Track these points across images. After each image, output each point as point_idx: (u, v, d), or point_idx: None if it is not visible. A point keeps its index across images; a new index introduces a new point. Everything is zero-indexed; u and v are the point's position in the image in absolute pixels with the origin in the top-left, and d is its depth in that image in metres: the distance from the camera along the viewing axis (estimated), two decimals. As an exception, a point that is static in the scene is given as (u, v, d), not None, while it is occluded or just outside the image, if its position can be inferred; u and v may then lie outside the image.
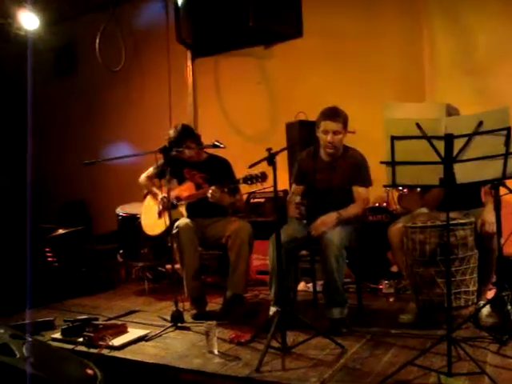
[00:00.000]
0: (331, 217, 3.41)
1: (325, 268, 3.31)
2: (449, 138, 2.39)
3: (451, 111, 3.22)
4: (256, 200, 4.91)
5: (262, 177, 3.39)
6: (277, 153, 2.99)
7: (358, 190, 3.58)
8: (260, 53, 5.56)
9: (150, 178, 4.28)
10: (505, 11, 4.44)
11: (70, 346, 3.17)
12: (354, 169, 3.58)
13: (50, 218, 6.16)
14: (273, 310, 3.43)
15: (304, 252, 3.79)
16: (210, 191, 3.75)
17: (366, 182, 3.61)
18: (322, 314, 3.41)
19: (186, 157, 4.05)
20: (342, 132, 3.52)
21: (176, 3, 5.58)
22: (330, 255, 3.24)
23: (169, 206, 3.75)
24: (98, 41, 5.66)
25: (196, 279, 3.84)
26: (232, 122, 5.72)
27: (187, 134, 4.05)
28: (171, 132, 4.05)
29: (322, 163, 3.66)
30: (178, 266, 4.05)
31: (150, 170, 4.27)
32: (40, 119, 6.56)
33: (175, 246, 3.82)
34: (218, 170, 4.09)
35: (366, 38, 5.01)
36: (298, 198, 3.55)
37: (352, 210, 3.53)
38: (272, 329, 2.87)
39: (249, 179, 3.48)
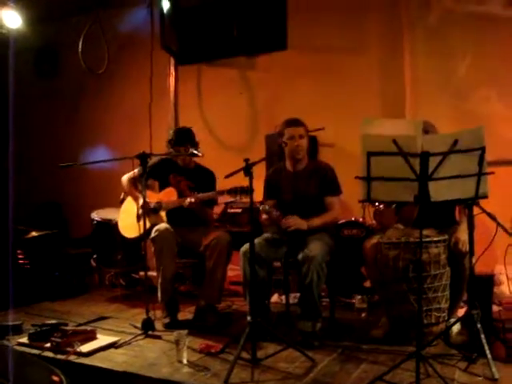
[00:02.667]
0: (303, 224, 3.50)
1: (304, 282, 3.30)
2: (425, 156, 2.41)
3: (428, 128, 3.26)
4: (233, 210, 4.90)
5: (246, 191, 3.38)
6: (254, 164, 3.00)
7: (330, 200, 3.66)
8: (243, 63, 5.57)
9: (133, 179, 4.21)
10: (483, 38, 4.54)
11: (37, 352, 3.11)
12: (323, 179, 3.66)
13: (25, 219, 6.06)
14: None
15: (278, 264, 3.77)
16: (192, 200, 3.77)
17: (337, 190, 3.69)
18: (295, 327, 3.41)
19: (181, 160, 4.08)
20: (306, 137, 3.64)
21: (161, 10, 5.58)
22: (312, 269, 3.25)
23: (148, 211, 3.72)
24: (80, 43, 5.61)
25: (171, 284, 3.82)
26: (212, 131, 5.71)
27: (188, 138, 4.08)
28: (173, 131, 4.14)
29: (289, 175, 3.74)
30: (151, 273, 4.02)
31: (135, 171, 4.20)
32: (20, 120, 6.48)
33: (153, 249, 3.79)
34: (203, 181, 4.09)
35: (349, 53, 5.07)
36: (266, 207, 3.59)
37: (327, 218, 3.61)
38: (242, 340, 2.86)
39: (234, 191, 3.47)
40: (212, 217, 4.27)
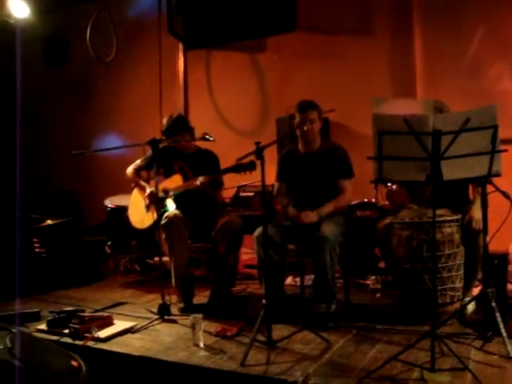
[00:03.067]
0: (315, 216, 3.49)
1: (317, 264, 3.32)
2: (436, 135, 2.39)
3: (443, 108, 3.24)
4: (245, 194, 4.91)
5: (251, 166, 3.36)
6: (265, 147, 2.98)
7: (343, 184, 3.64)
8: (252, 46, 5.54)
9: (136, 170, 4.24)
10: (495, 14, 4.47)
11: (56, 338, 3.15)
12: (336, 162, 3.64)
13: (39, 208, 6.12)
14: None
15: (292, 246, 3.78)
16: (198, 182, 3.77)
17: (349, 173, 3.68)
18: (310, 309, 3.42)
19: (180, 146, 4.06)
20: (318, 121, 3.60)
21: (168, -6, 5.55)
22: (325, 251, 3.26)
23: (156, 200, 3.74)
24: (88, 31, 5.61)
25: (185, 269, 3.84)
26: (223, 116, 5.71)
27: (182, 126, 4.06)
28: (165, 121, 4.07)
29: (302, 157, 3.73)
30: (165, 258, 4.04)
31: (138, 162, 4.23)
32: (30, 109, 6.52)
33: (164, 236, 3.80)
34: (206, 163, 4.08)
35: (358, 34, 5.04)
36: (285, 200, 3.59)
37: (338, 204, 3.59)
38: (258, 323, 2.87)
39: (237, 168, 3.45)
40: (222, 199, 4.26)
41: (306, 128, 3.58)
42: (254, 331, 2.84)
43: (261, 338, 2.92)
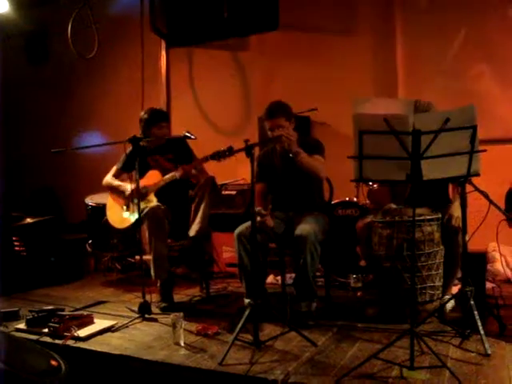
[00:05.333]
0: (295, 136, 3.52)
1: (298, 262, 3.32)
2: (416, 134, 2.41)
3: (429, 108, 3.28)
4: (227, 192, 4.90)
5: (229, 151, 3.34)
6: (255, 144, 2.98)
7: (316, 157, 3.62)
8: (235, 45, 5.54)
9: (115, 176, 4.22)
10: (476, 16, 4.53)
11: (35, 337, 3.13)
12: (309, 148, 3.62)
13: (20, 205, 6.05)
14: (246, 302, 3.44)
15: (273, 245, 3.78)
16: (178, 174, 3.86)
17: (319, 151, 3.67)
18: (290, 307, 3.43)
19: (158, 140, 4.12)
20: (286, 124, 3.58)
21: (151, -8, 5.53)
22: (306, 250, 3.26)
23: (139, 197, 3.73)
24: (70, 27, 5.56)
25: (166, 260, 3.83)
26: (205, 113, 5.70)
27: (162, 115, 4.18)
28: (144, 112, 4.15)
29: (279, 156, 3.75)
30: (146, 256, 4.04)
31: (114, 168, 4.22)
32: (10, 106, 6.44)
33: (145, 226, 3.80)
34: (178, 149, 4.16)
35: (341, 34, 5.06)
36: (262, 210, 3.53)
37: (314, 161, 3.57)
38: (241, 322, 2.87)
39: (216, 155, 3.44)
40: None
41: (275, 134, 3.56)
42: (236, 331, 2.84)
43: (244, 337, 2.93)
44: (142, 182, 3.98)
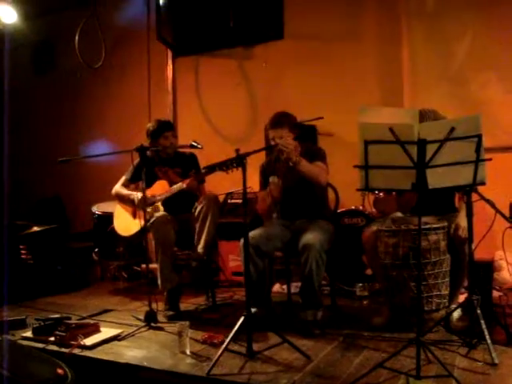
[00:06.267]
0: (294, 144, 3.52)
1: (304, 271, 3.32)
2: (421, 144, 2.42)
3: (437, 117, 3.28)
4: (233, 201, 4.91)
5: (237, 161, 3.35)
6: (247, 154, 2.98)
7: (318, 163, 3.64)
8: (241, 54, 5.57)
9: (124, 186, 4.25)
10: (482, 23, 4.53)
11: (41, 346, 3.14)
12: (310, 155, 3.64)
13: (26, 214, 6.08)
14: (253, 311, 3.44)
15: (279, 253, 3.79)
16: (185, 185, 3.87)
17: (321, 158, 3.68)
18: (297, 316, 3.43)
19: (165, 149, 4.14)
20: (288, 135, 3.59)
21: (157, 2, 5.56)
22: (311, 259, 3.26)
23: (145, 205, 3.75)
24: (77, 37, 5.60)
25: (172, 270, 3.84)
26: (211, 122, 5.72)
27: (167, 125, 4.21)
28: (151, 124, 4.20)
29: (282, 164, 3.71)
30: (153, 265, 4.05)
31: (123, 178, 4.25)
32: (17, 115, 6.49)
33: (151, 235, 3.82)
34: (187, 164, 4.19)
35: (346, 42, 5.06)
36: (276, 179, 3.62)
37: (314, 168, 3.57)
38: (233, 331, 2.87)
39: (224, 165, 3.44)
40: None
41: (272, 144, 3.60)
42: (227, 341, 2.85)
43: (243, 347, 2.93)
44: (150, 192, 4.01)
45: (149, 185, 4.04)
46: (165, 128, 4.17)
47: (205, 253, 3.85)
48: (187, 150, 4.27)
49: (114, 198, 4.31)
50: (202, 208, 3.85)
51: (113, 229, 4.23)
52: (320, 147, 3.85)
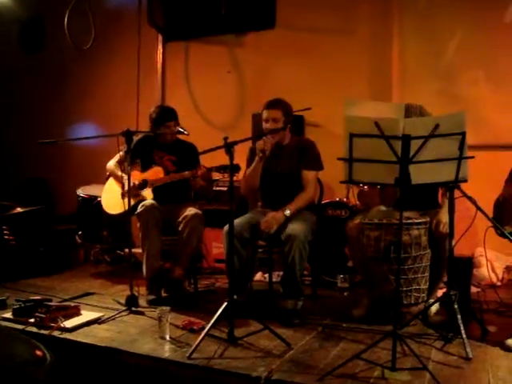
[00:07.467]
0: (280, 215, 3.48)
1: (287, 261, 3.34)
2: (406, 139, 2.44)
3: (424, 113, 3.30)
4: (219, 188, 4.91)
5: (236, 168, 3.36)
6: (235, 143, 2.97)
7: (307, 175, 3.67)
8: (231, 41, 5.54)
9: (119, 162, 4.21)
10: (471, 21, 4.55)
11: (21, 327, 3.13)
12: (301, 153, 3.67)
13: (10, 195, 6.04)
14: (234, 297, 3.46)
15: (262, 242, 3.80)
16: (199, 172, 3.82)
17: (315, 165, 3.69)
18: (277, 305, 3.46)
19: (161, 136, 4.10)
20: (282, 119, 3.59)
21: (149, -14, 5.52)
22: (295, 249, 3.29)
23: (135, 189, 3.73)
24: (66, 17, 5.53)
25: (156, 259, 3.84)
26: (199, 109, 5.70)
27: (171, 114, 4.13)
28: (155, 109, 4.13)
29: (271, 151, 3.67)
30: (136, 249, 4.04)
31: (120, 153, 4.20)
32: (3, 95, 6.42)
33: (138, 224, 3.81)
34: (185, 154, 4.14)
35: (337, 34, 5.06)
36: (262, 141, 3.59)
37: (302, 201, 3.60)
38: (215, 317, 2.90)
39: (222, 168, 3.47)
40: (208, 189, 4.31)
41: (267, 126, 3.60)
42: (209, 326, 2.87)
43: (224, 333, 2.95)
44: (143, 175, 4.00)
45: (145, 168, 4.06)
46: (167, 118, 4.09)
47: (183, 274, 3.88)
48: (189, 139, 4.23)
49: (108, 173, 4.28)
50: (185, 227, 3.80)
51: (99, 202, 4.20)
52: (313, 144, 3.77)
